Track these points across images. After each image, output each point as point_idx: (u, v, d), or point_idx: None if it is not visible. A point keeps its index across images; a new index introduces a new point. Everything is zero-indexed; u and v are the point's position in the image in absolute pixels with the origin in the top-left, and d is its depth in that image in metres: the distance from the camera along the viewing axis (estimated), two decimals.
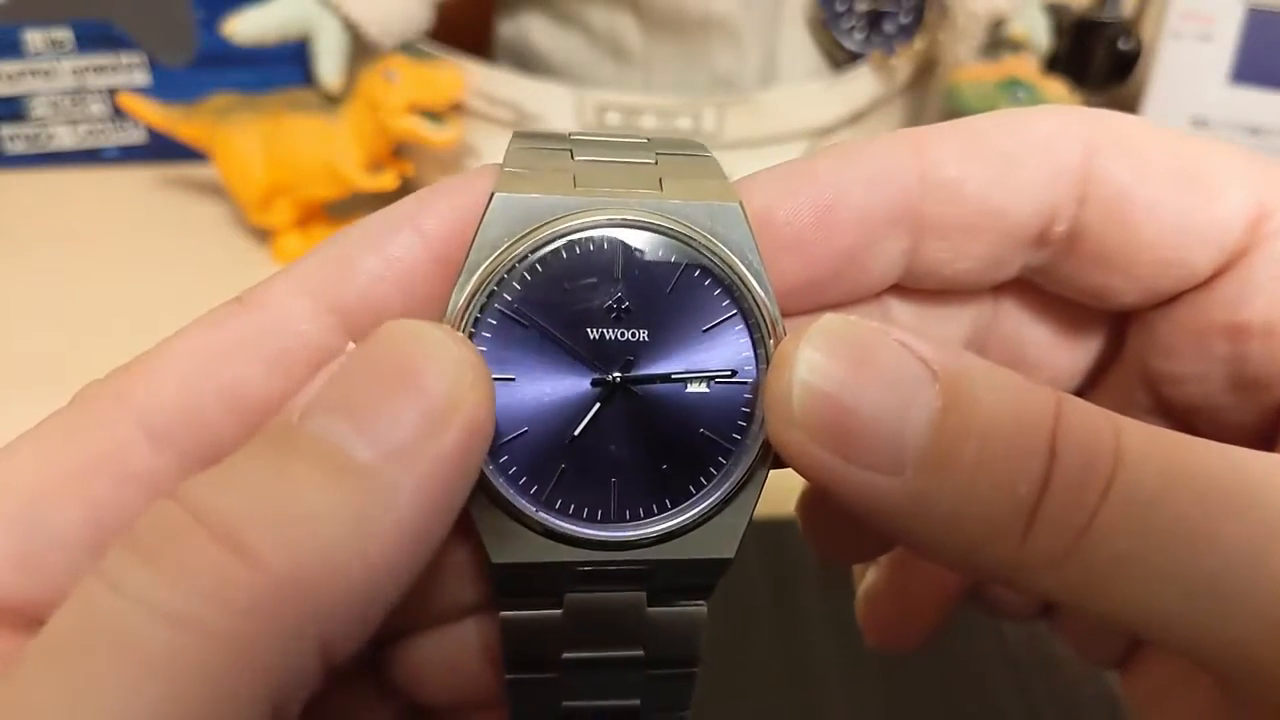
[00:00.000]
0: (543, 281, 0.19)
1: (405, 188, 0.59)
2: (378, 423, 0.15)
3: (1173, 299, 0.21)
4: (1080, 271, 0.21)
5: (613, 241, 0.19)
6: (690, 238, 0.19)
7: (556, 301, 0.19)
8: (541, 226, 0.19)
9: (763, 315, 0.19)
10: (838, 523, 0.24)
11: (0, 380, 0.49)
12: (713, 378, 0.19)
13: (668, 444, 0.19)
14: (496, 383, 0.18)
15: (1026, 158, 0.20)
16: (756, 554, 0.41)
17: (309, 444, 0.15)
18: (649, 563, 0.19)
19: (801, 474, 0.18)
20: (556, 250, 0.19)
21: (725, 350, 0.19)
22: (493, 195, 0.19)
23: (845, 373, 0.17)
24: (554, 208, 0.19)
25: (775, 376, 0.18)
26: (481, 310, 0.18)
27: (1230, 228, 0.20)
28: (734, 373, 0.19)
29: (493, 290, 0.18)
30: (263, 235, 0.59)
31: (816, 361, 0.17)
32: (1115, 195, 0.20)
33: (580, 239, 0.19)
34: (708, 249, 0.19)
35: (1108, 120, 0.20)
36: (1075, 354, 0.24)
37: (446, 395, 0.16)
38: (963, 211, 0.20)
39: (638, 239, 0.19)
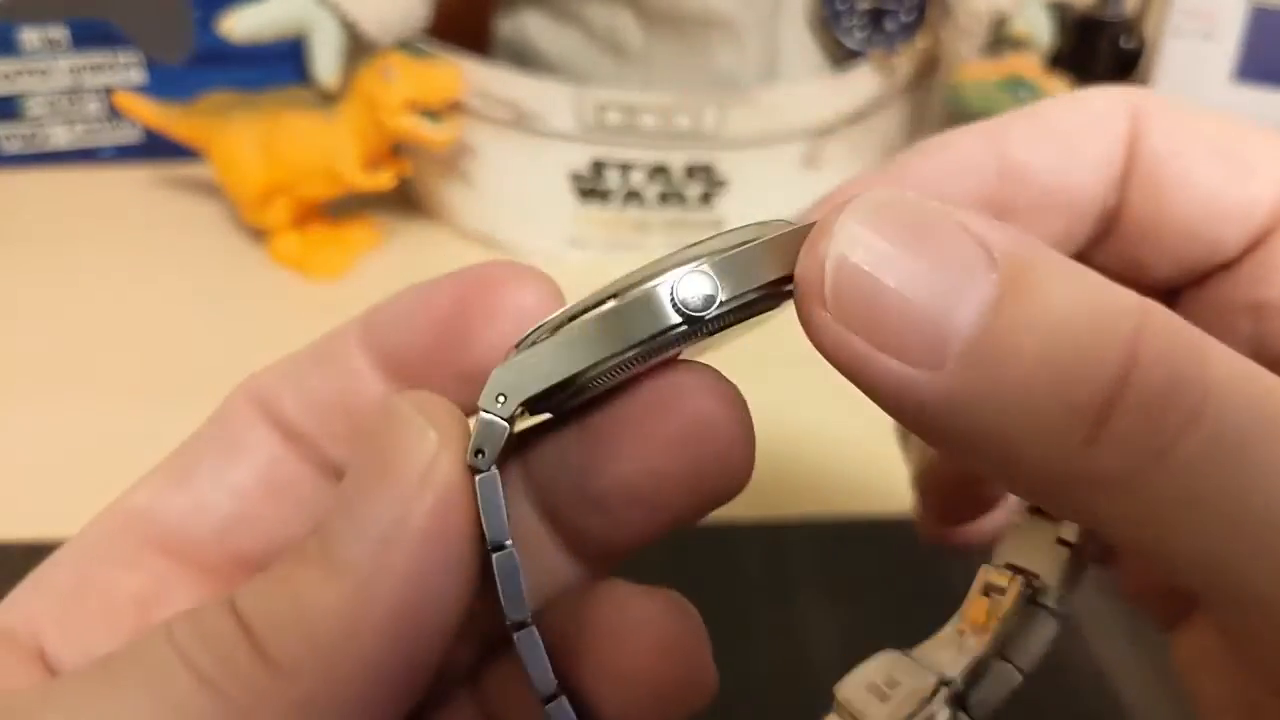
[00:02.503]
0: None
1: (403, 187, 0.58)
2: (360, 515, 0.16)
3: (1206, 278, 0.21)
4: (1120, 243, 0.22)
5: None
6: None
7: None
8: None
9: None
10: (954, 495, 0.26)
11: None
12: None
13: None
14: None
15: (1086, 135, 0.21)
16: (757, 555, 0.40)
17: (314, 546, 0.16)
18: None
19: (828, 359, 0.16)
20: None
21: None
22: None
23: (889, 250, 0.15)
24: None
25: (810, 249, 0.16)
26: None
27: (1260, 203, 0.20)
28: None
29: None
30: (259, 234, 0.59)
31: (858, 235, 0.15)
32: (1152, 164, 0.21)
33: None
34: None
35: (1148, 94, 0.21)
36: None
37: (417, 476, 0.16)
38: (1033, 193, 0.21)
39: None
